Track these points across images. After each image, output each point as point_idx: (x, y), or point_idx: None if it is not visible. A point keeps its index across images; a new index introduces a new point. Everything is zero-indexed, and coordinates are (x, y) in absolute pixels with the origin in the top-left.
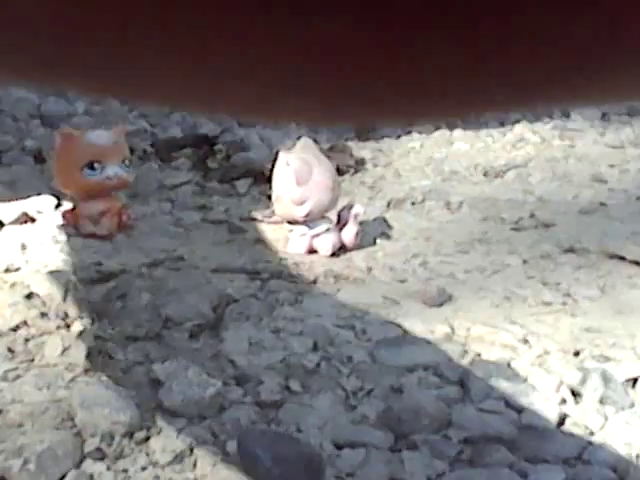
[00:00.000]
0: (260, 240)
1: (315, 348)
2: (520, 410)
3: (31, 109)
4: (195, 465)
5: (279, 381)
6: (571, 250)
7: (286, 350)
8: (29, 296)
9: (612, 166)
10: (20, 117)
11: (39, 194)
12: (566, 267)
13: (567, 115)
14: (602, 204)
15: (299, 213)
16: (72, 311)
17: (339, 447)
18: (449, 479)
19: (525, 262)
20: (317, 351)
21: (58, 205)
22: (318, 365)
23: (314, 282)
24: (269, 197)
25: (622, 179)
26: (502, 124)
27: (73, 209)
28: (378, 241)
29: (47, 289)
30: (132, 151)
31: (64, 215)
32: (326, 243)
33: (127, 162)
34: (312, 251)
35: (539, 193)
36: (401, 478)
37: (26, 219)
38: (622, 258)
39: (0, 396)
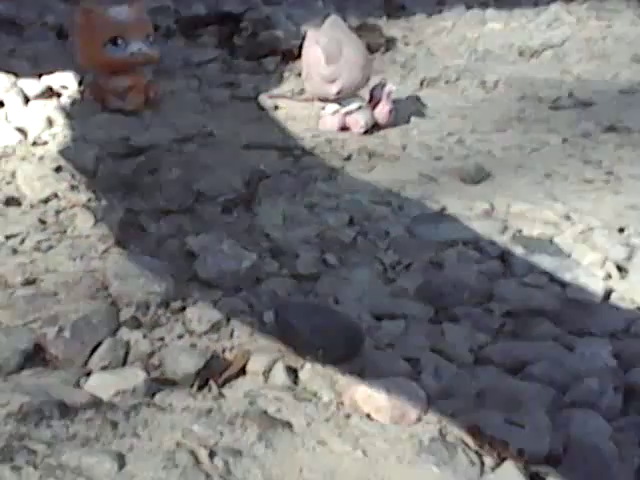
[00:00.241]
0: (291, 117)
1: (351, 223)
2: (564, 284)
3: None
4: (232, 334)
5: (315, 254)
6: (612, 129)
7: (321, 224)
8: (58, 169)
9: None
10: None
11: (62, 70)
12: (608, 145)
13: None
14: None
15: (331, 91)
16: (102, 184)
17: (378, 318)
18: (492, 350)
19: (565, 140)
20: (353, 226)
21: (82, 81)
22: (355, 239)
23: (348, 159)
24: (298, 74)
25: None
26: (536, 4)
27: (99, 85)
28: (412, 119)
29: (76, 162)
30: (156, 28)
31: (90, 90)
32: (359, 120)
33: (151, 38)
34: (344, 129)
35: (577, 73)
36: (442, 349)
37: (51, 94)
38: None
39: (33, 266)
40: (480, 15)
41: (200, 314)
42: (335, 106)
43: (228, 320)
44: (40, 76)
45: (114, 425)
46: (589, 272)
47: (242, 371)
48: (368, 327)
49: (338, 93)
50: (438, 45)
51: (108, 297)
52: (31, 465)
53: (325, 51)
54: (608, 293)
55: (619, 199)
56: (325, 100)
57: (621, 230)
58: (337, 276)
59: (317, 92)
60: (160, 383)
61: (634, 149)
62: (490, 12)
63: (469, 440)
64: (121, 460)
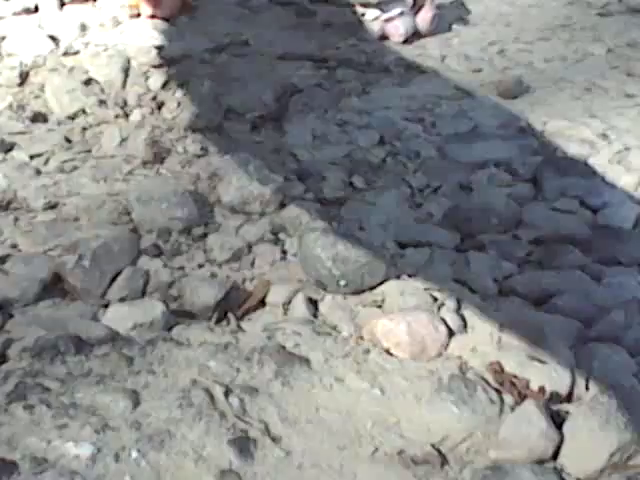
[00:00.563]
0: (330, 24)
1: (382, 142)
2: (596, 209)
3: None
4: (253, 263)
5: (342, 177)
6: None
7: (351, 144)
8: (87, 82)
9: None
10: None
11: None
12: None
13: None
14: None
15: None
16: (131, 98)
17: (402, 246)
18: (517, 281)
19: (610, 51)
20: (384, 145)
21: None
22: (384, 160)
23: (384, 71)
24: None
25: None
26: None
27: None
28: (454, 27)
29: (106, 75)
30: None
31: None
32: (400, 28)
33: None
34: (385, 37)
35: None
36: (466, 280)
37: None
38: None
39: (56, 188)
40: None
41: (222, 241)
42: (376, 12)
43: (250, 248)
44: None
45: (130, 361)
46: (622, 195)
47: (262, 302)
48: (392, 256)
49: None
50: None
51: (130, 222)
52: (44, 404)
53: None
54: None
55: None
56: (366, 5)
57: None
58: (363, 200)
59: None
60: (178, 315)
61: None
62: None
63: (489, 377)
64: (135, 398)
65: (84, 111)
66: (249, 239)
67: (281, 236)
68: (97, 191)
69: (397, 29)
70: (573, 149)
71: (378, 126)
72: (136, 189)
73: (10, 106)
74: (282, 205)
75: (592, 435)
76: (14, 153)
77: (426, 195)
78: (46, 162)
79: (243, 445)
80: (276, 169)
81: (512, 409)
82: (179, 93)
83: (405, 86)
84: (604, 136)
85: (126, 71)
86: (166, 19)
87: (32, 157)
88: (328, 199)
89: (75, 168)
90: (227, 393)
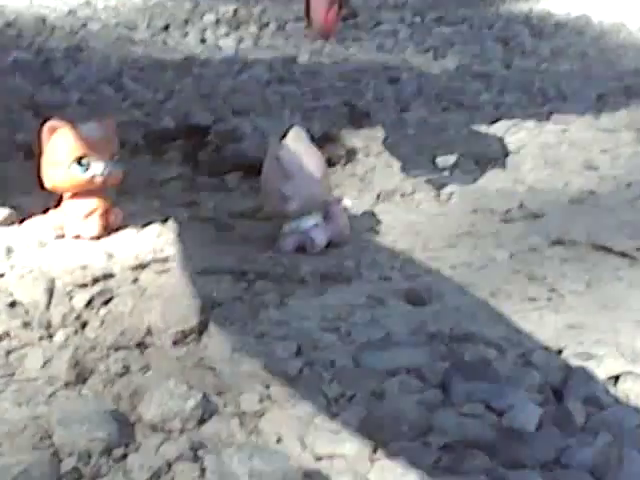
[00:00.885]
0: (248, 238)
1: (299, 352)
2: (501, 412)
3: (25, 99)
4: None
5: (260, 390)
6: (559, 242)
7: (269, 356)
8: (12, 305)
9: (604, 151)
10: (13, 108)
11: (28, 193)
12: (553, 260)
13: (563, 98)
14: (592, 192)
15: (288, 208)
16: (55, 319)
17: (319, 458)
18: None
19: (512, 256)
20: (301, 356)
21: (46, 207)
22: (301, 371)
23: (301, 282)
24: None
25: (614, 165)
26: (496, 108)
27: (59, 208)
28: (367, 236)
29: (30, 296)
30: (124, 144)
31: (51, 215)
32: (315, 239)
33: (116, 158)
34: (301, 248)
35: (529, 182)
36: None
37: (14, 220)
38: (609, 250)
39: None
40: (439, 123)
41: (141, 461)
42: (292, 225)
43: (169, 466)
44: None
45: None
46: (525, 398)
47: None
48: (308, 467)
49: (295, 210)
50: (397, 155)
51: (51, 446)
52: None
53: (285, 166)
54: (543, 419)
55: (559, 318)
56: (282, 217)
57: (559, 352)
58: (281, 412)
59: (274, 209)
60: None
61: (577, 264)
62: (451, 117)
63: None
64: None
65: (8, 334)
66: (168, 457)
67: (200, 453)
68: (19, 415)
69: (312, 241)
70: (479, 353)
71: (295, 337)
72: (57, 411)
73: None
74: (202, 421)
75: None
76: None
77: (341, 404)
78: None
79: None
80: (196, 385)
81: None
82: (103, 312)
83: (321, 296)
84: (508, 339)
85: (51, 291)
86: (92, 238)
87: None
88: (246, 412)
89: None
90: None
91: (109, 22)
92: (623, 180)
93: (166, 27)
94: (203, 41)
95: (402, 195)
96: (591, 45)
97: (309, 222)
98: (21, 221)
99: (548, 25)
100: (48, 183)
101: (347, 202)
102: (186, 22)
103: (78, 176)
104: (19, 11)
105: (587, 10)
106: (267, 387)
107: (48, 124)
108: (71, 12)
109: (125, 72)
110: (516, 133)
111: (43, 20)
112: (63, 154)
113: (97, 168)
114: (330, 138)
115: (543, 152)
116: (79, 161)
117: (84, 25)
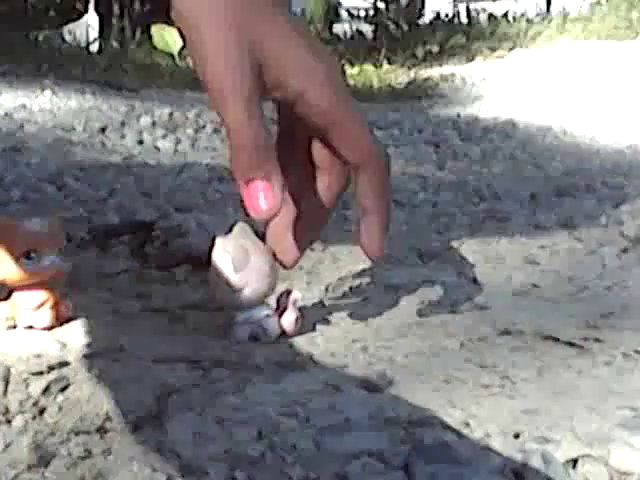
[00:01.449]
0: (200, 328)
1: (260, 437)
2: None
3: None
4: None
5: (224, 472)
6: (507, 332)
7: (231, 440)
8: None
9: (543, 247)
10: None
11: None
12: (503, 349)
13: (498, 197)
14: (535, 285)
15: (239, 299)
16: (13, 405)
17: None
18: None
19: (462, 345)
20: (262, 440)
21: None
22: (263, 454)
23: (256, 369)
24: (208, 283)
25: (553, 260)
26: (434, 206)
27: (10, 300)
28: (318, 326)
29: None
30: (70, 239)
31: (1, 307)
32: (267, 330)
33: (63, 251)
34: (254, 337)
35: (473, 276)
36: None
37: None
38: (556, 339)
39: None
40: None
41: None
42: (244, 315)
43: None
44: None
45: None
46: None
47: None
48: None
49: (245, 302)
50: (343, 250)
51: None
52: None
53: (233, 259)
54: None
55: (514, 403)
56: (233, 309)
57: (516, 436)
58: None
59: (224, 301)
60: None
61: (526, 352)
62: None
63: None
64: None
65: None
66: None
67: None
68: None
69: (265, 331)
70: (438, 437)
71: (255, 421)
72: None
73: None
74: None
75: None
76: None
77: None
78: None
79: None
80: (159, 467)
81: None
82: (60, 398)
83: (277, 383)
84: (466, 424)
85: (6, 379)
86: (43, 329)
87: None
88: None
89: None
90: None
91: (46, 124)
92: (564, 274)
93: (103, 129)
94: (141, 142)
95: (350, 287)
96: (519, 148)
97: (262, 312)
98: None
99: (476, 129)
100: None
101: (297, 294)
102: (123, 124)
103: (27, 269)
104: None
105: (512, 114)
106: (231, 469)
107: None
108: (7, 115)
109: (65, 171)
110: (455, 230)
111: None
112: (11, 248)
113: (45, 261)
114: None
115: (483, 248)
116: (27, 255)
117: (21, 127)
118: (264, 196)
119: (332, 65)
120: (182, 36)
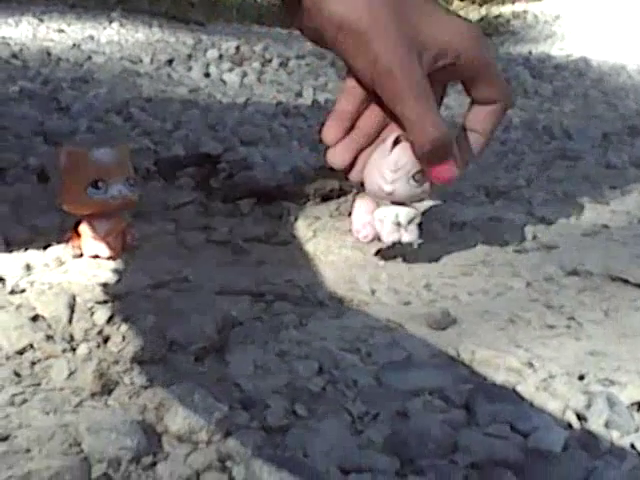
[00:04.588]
0: (264, 262)
1: (320, 371)
2: (526, 434)
3: (34, 126)
4: None
5: (285, 405)
6: (574, 273)
7: (291, 374)
8: (35, 318)
9: (613, 188)
10: (23, 134)
11: (44, 214)
12: (570, 290)
13: (569, 136)
14: (604, 226)
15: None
16: (78, 334)
17: (345, 472)
18: None
19: (528, 285)
20: (322, 374)
21: (63, 227)
22: (324, 389)
23: (319, 304)
24: (273, 217)
25: (624, 201)
26: (503, 143)
27: (77, 229)
28: (381, 263)
29: (52, 311)
30: (135, 170)
31: (69, 235)
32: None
33: (132, 181)
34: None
35: (540, 214)
36: None
37: (32, 238)
38: (625, 281)
39: (7, 421)
40: None
41: (171, 470)
42: (388, 212)
43: (198, 476)
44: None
45: None
46: (550, 421)
47: None
48: None
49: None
50: None
51: (80, 453)
52: None
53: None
54: (568, 442)
55: (579, 345)
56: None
57: (581, 377)
58: (306, 428)
59: (373, 191)
60: None
61: (595, 293)
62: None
63: None
64: None
65: (32, 346)
66: (197, 467)
67: (228, 464)
68: (47, 423)
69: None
70: (501, 377)
71: (316, 356)
72: (85, 420)
73: None
74: (228, 433)
75: None
76: None
77: (366, 422)
78: None
79: None
80: (221, 398)
81: None
82: (124, 327)
83: (339, 318)
84: (530, 365)
85: (72, 307)
86: (109, 258)
87: None
88: (272, 427)
89: (25, 401)
90: None
91: (113, 56)
92: (634, 215)
93: (170, 62)
94: (207, 75)
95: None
96: (592, 87)
97: (406, 217)
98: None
99: (548, 67)
100: (65, 205)
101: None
102: (189, 57)
103: (95, 198)
104: (24, 43)
105: (586, 53)
106: (292, 403)
107: (64, 149)
108: (75, 45)
109: (132, 103)
110: (525, 167)
111: (48, 53)
112: (80, 177)
113: (113, 190)
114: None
115: (552, 187)
116: (95, 184)
117: (89, 58)
118: (449, 172)
119: (472, 24)
120: (314, 40)
